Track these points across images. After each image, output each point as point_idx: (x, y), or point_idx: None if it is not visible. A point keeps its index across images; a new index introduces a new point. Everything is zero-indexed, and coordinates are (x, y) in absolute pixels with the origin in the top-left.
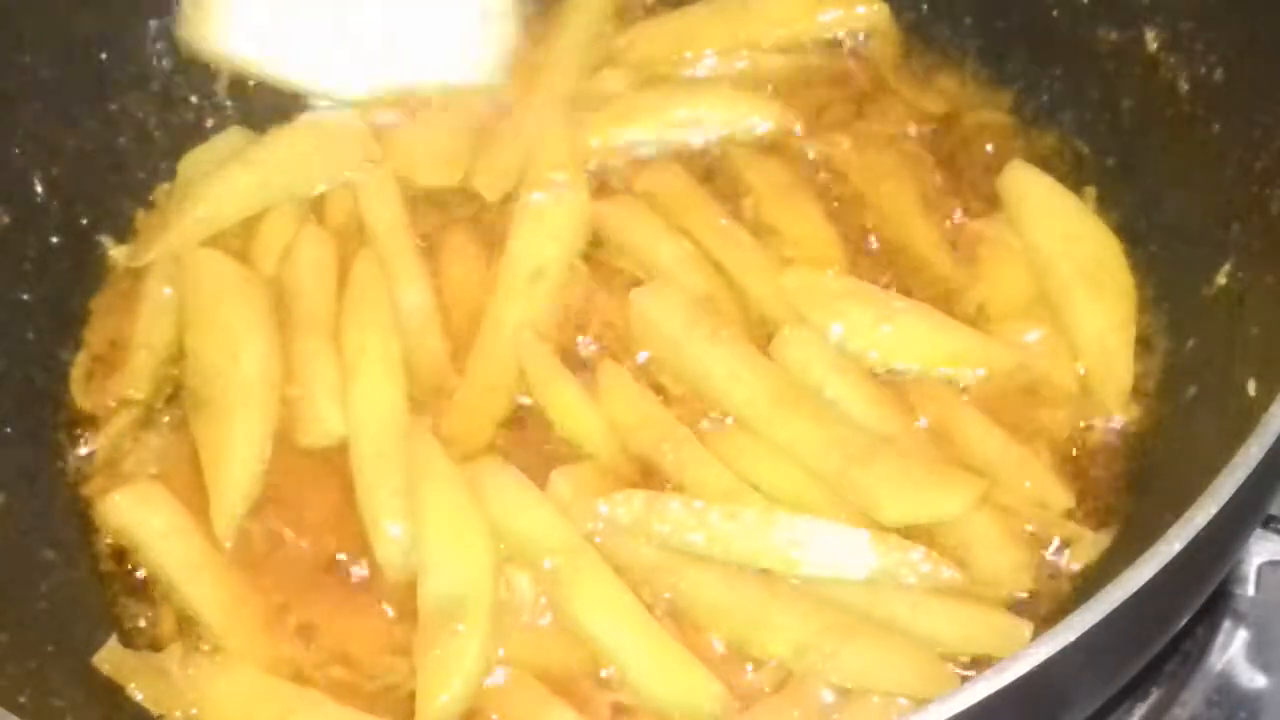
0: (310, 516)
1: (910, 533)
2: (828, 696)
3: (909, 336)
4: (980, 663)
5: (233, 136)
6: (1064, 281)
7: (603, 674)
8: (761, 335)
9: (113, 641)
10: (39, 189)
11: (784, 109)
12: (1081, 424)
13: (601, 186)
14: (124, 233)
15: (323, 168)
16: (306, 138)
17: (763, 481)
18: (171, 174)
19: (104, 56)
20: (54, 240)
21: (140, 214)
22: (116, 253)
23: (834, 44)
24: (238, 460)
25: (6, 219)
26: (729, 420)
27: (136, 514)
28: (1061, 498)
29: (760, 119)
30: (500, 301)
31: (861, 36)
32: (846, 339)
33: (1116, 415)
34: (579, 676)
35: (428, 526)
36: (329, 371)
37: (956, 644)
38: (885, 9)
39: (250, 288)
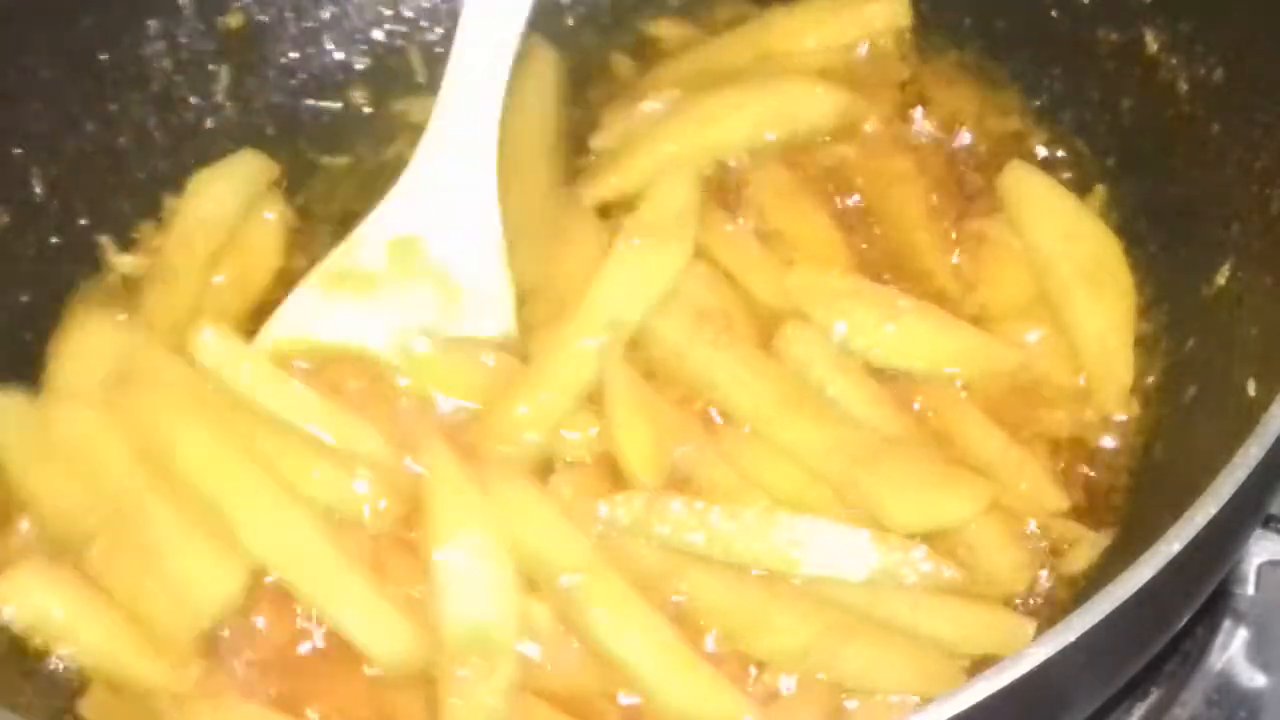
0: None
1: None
2: (835, 699)
3: (912, 335)
4: (983, 662)
5: (246, 159)
6: (1064, 281)
7: (621, 698)
8: (767, 338)
9: (96, 686)
10: (39, 189)
11: (850, 95)
12: (1081, 424)
13: (615, 207)
14: (124, 233)
15: None
16: None
17: (768, 485)
18: (172, 175)
19: (104, 56)
20: (54, 240)
21: (147, 227)
22: (119, 261)
23: (839, 49)
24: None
25: (6, 219)
26: (733, 423)
27: (32, 600)
28: (1056, 500)
29: (834, 105)
30: (577, 336)
31: (864, 47)
32: (850, 337)
33: (1116, 415)
34: (593, 697)
35: (445, 546)
36: (196, 532)
37: (959, 643)
38: (905, 3)
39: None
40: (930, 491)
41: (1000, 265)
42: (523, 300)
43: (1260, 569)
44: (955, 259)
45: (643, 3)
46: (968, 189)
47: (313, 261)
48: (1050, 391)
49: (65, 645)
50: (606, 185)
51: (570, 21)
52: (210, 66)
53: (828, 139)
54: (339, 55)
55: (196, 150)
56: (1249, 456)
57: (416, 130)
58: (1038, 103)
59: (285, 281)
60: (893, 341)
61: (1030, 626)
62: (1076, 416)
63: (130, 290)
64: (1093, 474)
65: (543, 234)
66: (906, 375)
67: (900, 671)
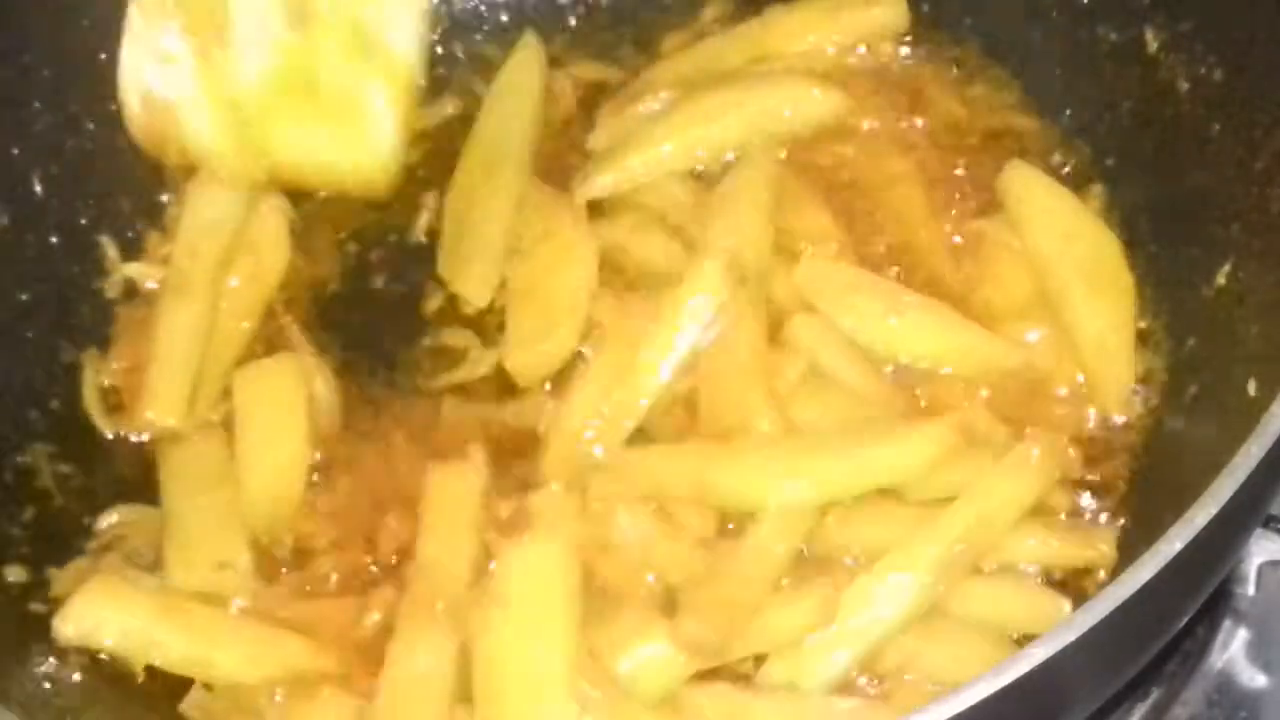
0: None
1: None
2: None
3: (917, 330)
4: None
5: None
6: (1064, 281)
7: None
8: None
9: (198, 687)
10: (39, 189)
11: (847, 96)
12: (1082, 423)
13: (608, 206)
14: (124, 233)
15: None
16: None
17: None
18: (172, 175)
19: (104, 56)
20: (54, 240)
21: (153, 236)
22: (130, 270)
23: (837, 50)
24: None
25: (6, 219)
26: None
27: (95, 620)
28: (1056, 499)
29: (831, 106)
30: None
31: (863, 47)
32: (855, 330)
33: (1117, 415)
34: None
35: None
36: None
37: (996, 622)
38: (903, 6)
39: None
40: (892, 438)
41: (1000, 265)
42: (508, 306)
43: (1260, 569)
44: (958, 258)
45: (642, 4)
46: (968, 189)
47: (318, 259)
48: (1051, 390)
49: (150, 657)
50: (599, 185)
51: (572, 21)
52: None
53: (827, 139)
54: None
55: None
56: (1249, 456)
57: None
58: (1038, 103)
59: (296, 278)
60: (897, 336)
61: (1066, 603)
62: (1077, 416)
63: (129, 296)
64: (1093, 473)
65: (528, 235)
66: (910, 370)
67: (946, 655)
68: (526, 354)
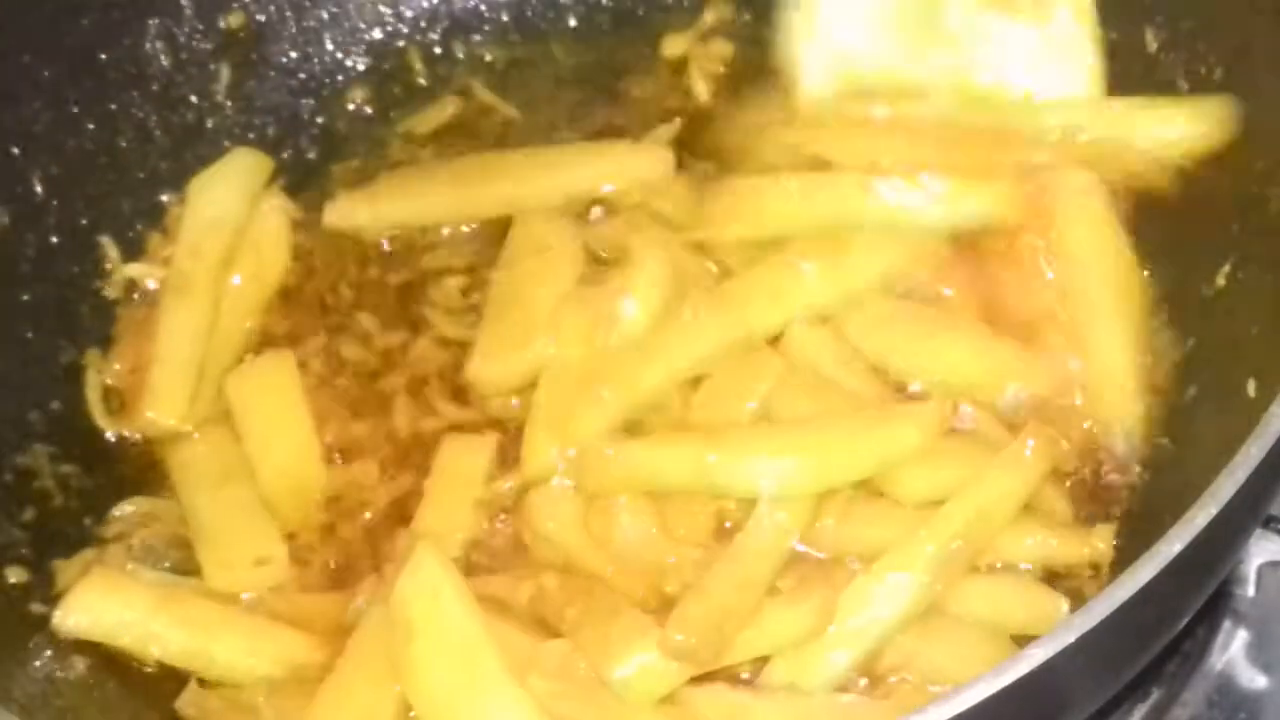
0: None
1: None
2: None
3: (942, 346)
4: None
5: (240, 156)
6: (1090, 302)
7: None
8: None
9: (193, 684)
10: (39, 189)
11: (1010, 193)
12: (1081, 423)
13: (608, 206)
14: (124, 233)
15: None
16: None
17: None
18: (172, 175)
19: (104, 56)
20: (54, 240)
21: (155, 237)
22: (132, 270)
23: None
24: None
25: (6, 219)
26: None
27: (94, 612)
28: (1056, 500)
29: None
30: None
31: None
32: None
33: (1117, 415)
34: None
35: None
36: None
37: (996, 622)
38: None
39: None
40: (875, 426)
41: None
42: (483, 314)
43: (1260, 569)
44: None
45: (643, 4)
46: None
47: (318, 254)
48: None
49: (150, 650)
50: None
51: (572, 21)
52: (210, 66)
53: None
54: (339, 55)
55: (196, 150)
56: (1249, 456)
57: (414, 133)
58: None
59: (299, 271)
60: (902, 341)
61: (1064, 603)
62: (1076, 415)
63: (130, 297)
64: (1092, 473)
65: (517, 246)
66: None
67: (946, 655)
68: (491, 364)
